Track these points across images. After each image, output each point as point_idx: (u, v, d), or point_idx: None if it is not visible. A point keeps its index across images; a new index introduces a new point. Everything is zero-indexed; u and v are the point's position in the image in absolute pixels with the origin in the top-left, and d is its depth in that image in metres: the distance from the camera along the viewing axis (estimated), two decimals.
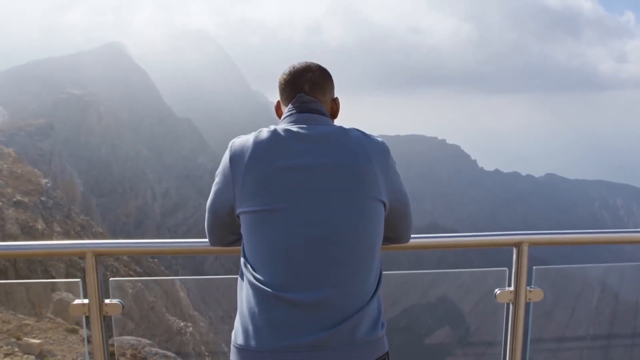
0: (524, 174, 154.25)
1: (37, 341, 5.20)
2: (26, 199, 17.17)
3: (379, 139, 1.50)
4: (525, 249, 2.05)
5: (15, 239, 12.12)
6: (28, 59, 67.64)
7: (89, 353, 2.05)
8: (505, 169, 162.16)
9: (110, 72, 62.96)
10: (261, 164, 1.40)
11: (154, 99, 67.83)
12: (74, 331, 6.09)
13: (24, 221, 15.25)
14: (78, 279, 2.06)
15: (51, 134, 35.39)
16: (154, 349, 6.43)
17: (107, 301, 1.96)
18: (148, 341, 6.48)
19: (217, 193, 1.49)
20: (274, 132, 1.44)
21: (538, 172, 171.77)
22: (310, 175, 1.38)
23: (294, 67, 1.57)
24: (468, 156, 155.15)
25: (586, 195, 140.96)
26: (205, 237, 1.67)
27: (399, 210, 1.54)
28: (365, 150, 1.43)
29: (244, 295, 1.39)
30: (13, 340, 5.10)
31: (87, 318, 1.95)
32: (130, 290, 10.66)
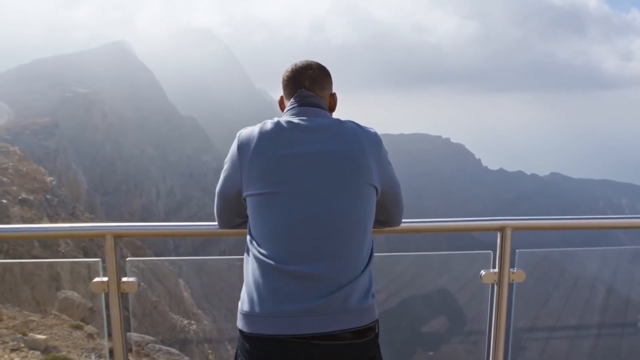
0: (528, 173, 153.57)
1: (42, 337, 5.23)
2: (31, 197, 17.27)
3: (372, 130, 1.66)
4: (508, 233, 2.18)
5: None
6: (34, 57, 67.91)
7: (108, 327, 2.20)
8: (510, 167, 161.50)
9: (115, 71, 63.06)
10: (266, 152, 1.56)
11: (158, 97, 67.95)
12: (78, 327, 6.12)
13: (30, 219, 15.33)
14: (98, 259, 2.19)
15: (56, 132, 35.55)
16: (157, 346, 6.45)
17: (124, 279, 2.12)
18: (151, 338, 6.52)
19: (225, 179, 1.65)
20: (277, 124, 1.60)
21: (543, 171, 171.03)
22: (309, 161, 1.54)
23: (295, 65, 1.73)
24: (472, 155, 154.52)
25: (591, 195, 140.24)
26: (214, 222, 1.84)
27: (390, 194, 1.71)
28: (359, 139, 1.59)
29: (249, 268, 1.55)
30: (19, 335, 5.14)
31: (106, 295, 2.11)
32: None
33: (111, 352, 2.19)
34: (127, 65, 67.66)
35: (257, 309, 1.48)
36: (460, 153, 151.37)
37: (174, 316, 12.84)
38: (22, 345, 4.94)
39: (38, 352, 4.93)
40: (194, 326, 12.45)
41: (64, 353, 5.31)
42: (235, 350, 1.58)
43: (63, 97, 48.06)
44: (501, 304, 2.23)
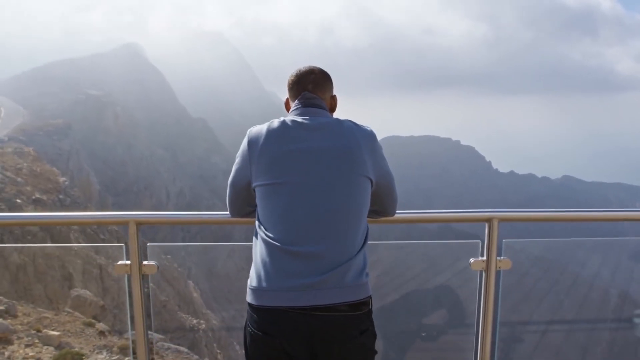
0: (539, 175, 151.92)
1: (56, 333, 5.36)
2: (45, 197, 17.56)
3: (368, 128, 1.86)
4: (495, 223, 2.35)
5: (33, 235, 12.40)
6: (47, 60, 68.84)
7: (130, 306, 2.42)
8: (521, 170, 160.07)
9: (127, 73, 63.70)
10: (272, 147, 1.77)
11: (169, 100, 68.52)
12: (90, 324, 6.25)
13: None
14: (122, 244, 2.42)
15: (69, 133, 36.00)
16: (166, 344, 6.56)
17: (145, 262, 2.34)
18: (160, 336, 6.63)
19: (237, 171, 1.87)
20: (283, 122, 1.82)
21: (554, 174, 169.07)
22: (311, 156, 1.75)
23: (299, 70, 1.96)
24: (483, 157, 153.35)
25: (603, 198, 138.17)
26: (227, 211, 2.06)
27: (384, 186, 1.91)
28: (355, 136, 1.79)
29: (257, 249, 1.76)
30: (33, 332, 5.28)
31: (129, 276, 2.33)
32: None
33: (133, 341, 2.40)
34: (138, 68, 68.33)
35: (264, 284, 1.68)
36: (470, 155, 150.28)
37: (183, 315, 12.96)
38: (37, 341, 5.07)
39: (52, 348, 5.05)
40: (203, 325, 12.55)
41: (76, 349, 5.44)
42: (244, 322, 1.77)
43: (76, 99, 48.63)
44: (489, 289, 2.39)
